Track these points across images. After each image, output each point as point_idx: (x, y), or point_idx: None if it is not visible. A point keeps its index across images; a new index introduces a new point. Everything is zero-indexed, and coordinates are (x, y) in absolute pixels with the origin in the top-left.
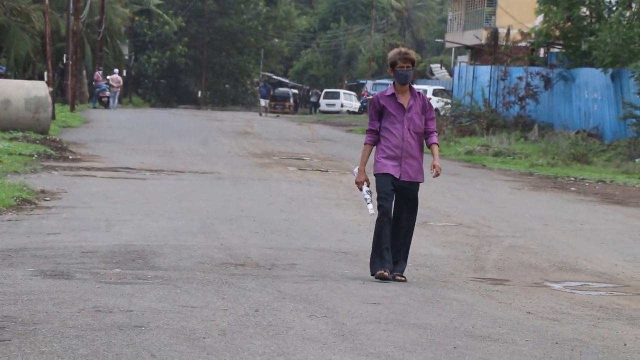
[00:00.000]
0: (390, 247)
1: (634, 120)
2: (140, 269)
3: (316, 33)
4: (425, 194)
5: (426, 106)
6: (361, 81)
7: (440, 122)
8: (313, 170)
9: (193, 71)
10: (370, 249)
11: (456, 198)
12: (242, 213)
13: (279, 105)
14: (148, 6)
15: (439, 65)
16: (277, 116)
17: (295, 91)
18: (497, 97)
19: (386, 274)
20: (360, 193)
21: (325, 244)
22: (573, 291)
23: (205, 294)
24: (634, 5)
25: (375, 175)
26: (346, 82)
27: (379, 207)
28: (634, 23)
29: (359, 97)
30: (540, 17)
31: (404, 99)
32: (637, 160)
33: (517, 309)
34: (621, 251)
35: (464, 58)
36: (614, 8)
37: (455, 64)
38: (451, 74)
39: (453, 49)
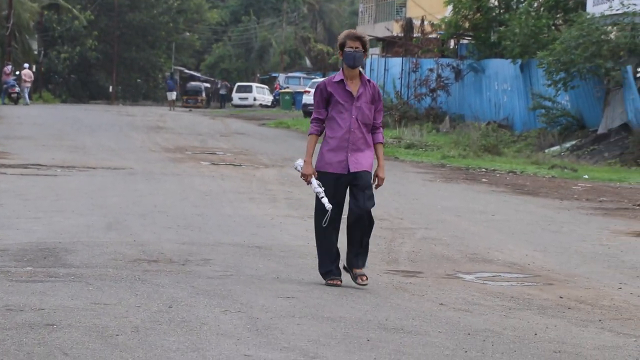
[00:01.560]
0: (352, 241)
1: (542, 111)
2: (51, 266)
3: (228, 26)
4: None
5: (376, 95)
6: (273, 74)
7: None
8: (226, 164)
9: (104, 66)
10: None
11: None
12: (155, 208)
13: (191, 99)
14: (56, 0)
15: None
16: (190, 110)
17: (208, 85)
18: (409, 89)
19: (340, 283)
20: (310, 187)
21: (239, 239)
22: (485, 282)
23: (118, 291)
24: None
25: (317, 171)
26: (258, 75)
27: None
28: (542, 14)
29: (271, 91)
30: (451, 9)
31: (353, 86)
32: (546, 150)
33: (429, 301)
34: (531, 241)
35: (376, 50)
36: None
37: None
38: (363, 66)
39: None
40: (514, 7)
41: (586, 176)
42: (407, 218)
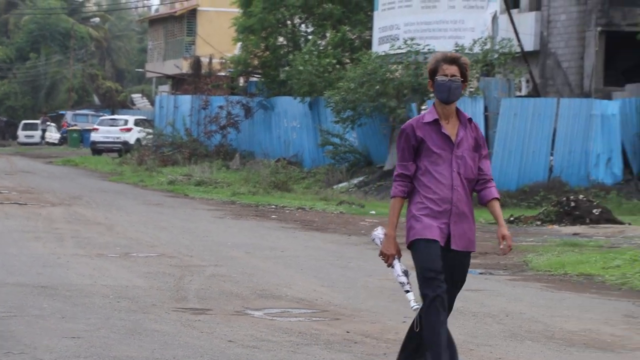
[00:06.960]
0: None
1: (331, 147)
2: None
3: (13, 63)
4: (126, 225)
5: (479, 139)
6: (61, 112)
7: (142, 152)
8: (11, 203)
9: None
10: None
11: (159, 228)
12: None
13: None
14: None
15: (140, 95)
16: None
17: None
18: (199, 126)
19: None
20: (391, 270)
21: (24, 279)
22: (273, 318)
23: None
24: (328, 34)
25: (413, 241)
26: (46, 112)
27: (425, 295)
28: (328, 52)
29: (59, 128)
30: (240, 46)
31: (451, 129)
32: (335, 187)
33: (218, 338)
34: (320, 277)
35: (166, 88)
36: (310, 37)
37: (156, 93)
38: (152, 103)
39: (154, 78)
40: (302, 46)
41: (373, 212)
42: (196, 255)
